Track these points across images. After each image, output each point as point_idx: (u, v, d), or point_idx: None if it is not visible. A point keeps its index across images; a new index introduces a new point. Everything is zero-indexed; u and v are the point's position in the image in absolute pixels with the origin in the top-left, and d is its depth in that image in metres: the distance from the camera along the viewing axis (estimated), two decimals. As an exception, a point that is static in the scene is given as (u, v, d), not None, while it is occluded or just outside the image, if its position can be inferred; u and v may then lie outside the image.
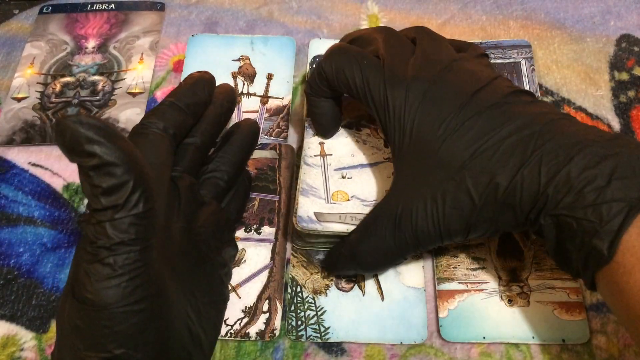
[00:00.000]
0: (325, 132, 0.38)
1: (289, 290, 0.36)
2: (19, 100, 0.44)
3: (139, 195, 0.22)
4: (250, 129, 0.35)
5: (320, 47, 0.45)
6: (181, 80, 0.34)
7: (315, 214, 0.35)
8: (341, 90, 0.35)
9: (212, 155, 0.33)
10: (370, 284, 0.36)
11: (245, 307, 0.35)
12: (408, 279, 0.36)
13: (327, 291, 0.36)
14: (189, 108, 0.30)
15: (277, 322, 0.35)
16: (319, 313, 0.35)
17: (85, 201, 0.40)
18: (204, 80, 0.32)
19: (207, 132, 0.32)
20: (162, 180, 0.27)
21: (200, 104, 0.31)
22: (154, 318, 0.24)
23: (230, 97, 0.34)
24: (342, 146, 0.38)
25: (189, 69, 0.45)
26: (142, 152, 0.26)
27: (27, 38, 0.47)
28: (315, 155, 0.38)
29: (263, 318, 0.35)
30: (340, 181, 0.37)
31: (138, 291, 0.23)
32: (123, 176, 0.22)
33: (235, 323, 0.35)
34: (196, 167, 0.32)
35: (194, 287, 0.28)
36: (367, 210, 0.35)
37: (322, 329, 0.35)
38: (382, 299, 0.36)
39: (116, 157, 0.21)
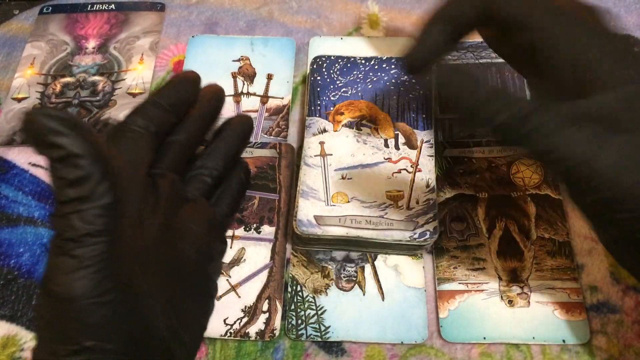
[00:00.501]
0: (413, 62, 0.34)
1: (289, 290, 0.36)
2: (19, 100, 0.44)
3: (105, 186, 0.22)
4: (242, 123, 0.34)
5: (320, 45, 0.45)
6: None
7: (315, 217, 0.35)
8: (500, 20, 0.31)
9: (200, 152, 0.33)
10: (370, 284, 0.36)
11: (245, 306, 0.35)
12: (408, 279, 0.36)
13: (328, 290, 0.36)
14: (172, 106, 0.30)
15: (277, 322, 0.35)
16: (319, 312, 0.35)
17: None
18: (188, 79, 0.32)
19: (191, 130, 0.31)
20: (137, 176, 0.27)
21: (183, 102, 0.31)
22: (125, 310, 0.24)
23: (217, 95, 0.33)
24: (343, 146, 0.38)
25: (189, 69, 0.45)
26: (119, 149, 0.26)
27: (27, 38, 0.48)
28: (315, 155, 0.38)
29: (263, 318, 0.35)
30: (340, 182, 0.37)
31: (106, 283, 0.23)
32: (89, 168, 0.22)
33: (235, 322, 0.35)
34: (181, 165, 0.31)
35: (172, 283, 0.28)
36: (366, 212, 0.35)
37: (323, 328, 0.35)
38: (383, 298, 0.35)
39: (81, 149, 0.22)
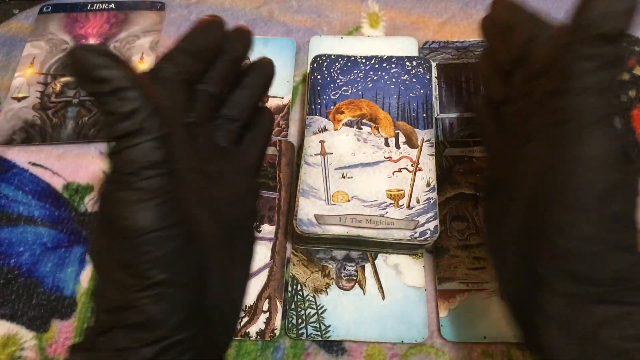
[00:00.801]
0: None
1: (290, 289, 0.36)
2: (19, 99, 0.44)
3: (158, 119, 0.22)
4: (265, 69, 0.34)
5: (320, 44, 0.45)
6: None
7: (315, 216, 0.35)
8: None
9: (225, 98, 0.32)
10: (371, 283, 0.36)
11: (246, 306, 0.35)
12: (409, 279, 0.36)
13: (328, 289, 0.36)
14: (200, 53, 0.29)
15: (278, 321, 0.35)
16: (320, 311, 0.35)
17: (85, 200, 0.40)
18: (215, 24, 0.31)
19: (219, 78, 0.31)
20: (178, 124, 0.27)
21: (211, 49, 0.30)
22: (191, 245, 0.23)
23: (244, 40, 0.33)
24: (343, 145, 0.38)
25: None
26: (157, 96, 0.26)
27: (27, 38, 0.47)
28: (315, 154, 0.38)
29: (263, 317, 0.35)
30: (340, 181, 0.37)
31: (172, 215, 0.22)
32: (138, 100, 0.22)
33: (235, 322, 0.35)
34: (210, 113, 0.31)
35: (223, 225, 0.28)
36: (367, 211, 0.35)
37: (323, 327, 0.35)
38: (383, 298, 0.35)
39: (129, 81, 0.21)
